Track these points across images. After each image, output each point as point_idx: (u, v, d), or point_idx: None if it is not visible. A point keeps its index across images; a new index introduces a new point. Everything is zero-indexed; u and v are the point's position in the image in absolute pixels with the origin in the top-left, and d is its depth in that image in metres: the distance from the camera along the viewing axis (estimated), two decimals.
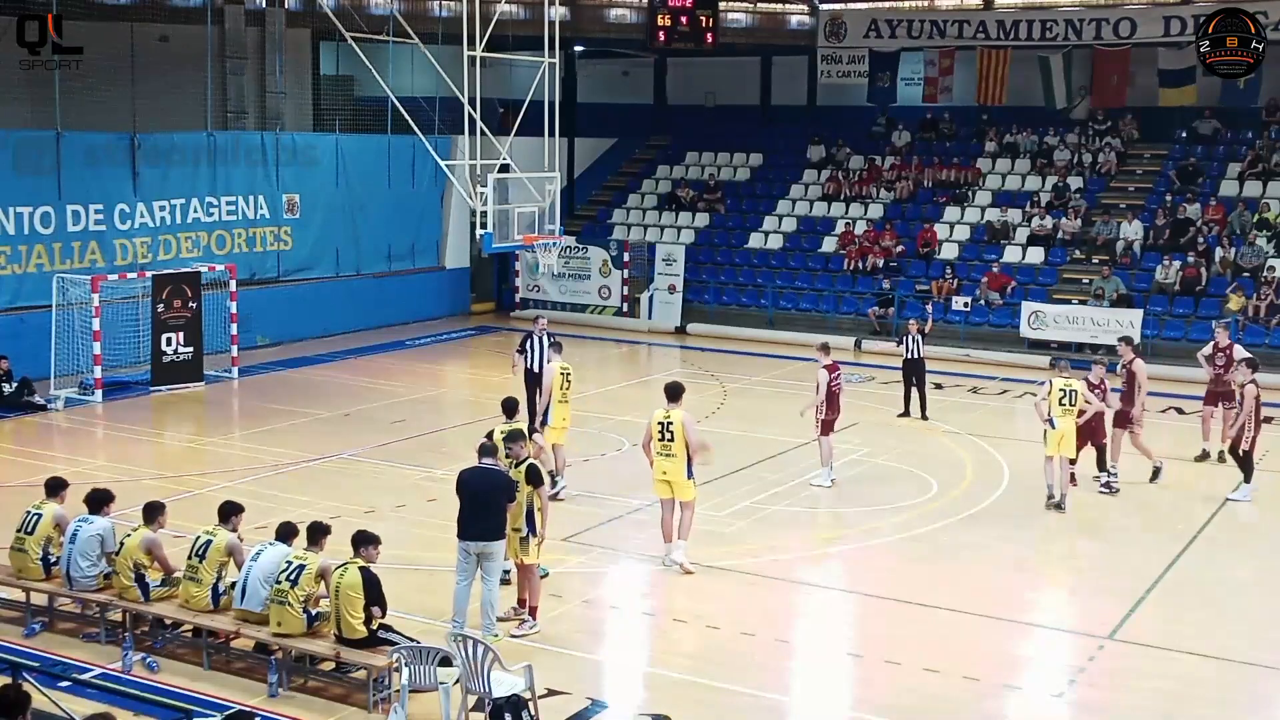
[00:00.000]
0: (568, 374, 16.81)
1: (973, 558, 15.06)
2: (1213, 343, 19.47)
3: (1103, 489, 17.37)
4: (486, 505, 11.90)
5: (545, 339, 18.08)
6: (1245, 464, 17.36)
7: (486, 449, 12.31)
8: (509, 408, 14.32)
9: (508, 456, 12.50)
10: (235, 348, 24.62)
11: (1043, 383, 17.49)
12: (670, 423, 13.90)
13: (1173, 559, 14.96)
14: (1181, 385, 24.64)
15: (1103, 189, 31.96)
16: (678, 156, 37.19)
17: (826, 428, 17.50)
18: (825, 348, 17.83)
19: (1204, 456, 19.19)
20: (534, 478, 12.22)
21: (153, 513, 12.07)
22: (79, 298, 22.48)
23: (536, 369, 17.90)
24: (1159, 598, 13.78)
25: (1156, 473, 17.94)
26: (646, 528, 15.25)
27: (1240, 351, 18.94)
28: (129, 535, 11.92)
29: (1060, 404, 16.32)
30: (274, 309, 27.62)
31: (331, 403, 22.43)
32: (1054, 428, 16.36)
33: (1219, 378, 18.95)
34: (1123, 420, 17.69)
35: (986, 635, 12.88)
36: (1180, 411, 22.88)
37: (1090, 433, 17.02)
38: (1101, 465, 17.53)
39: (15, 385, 21.49)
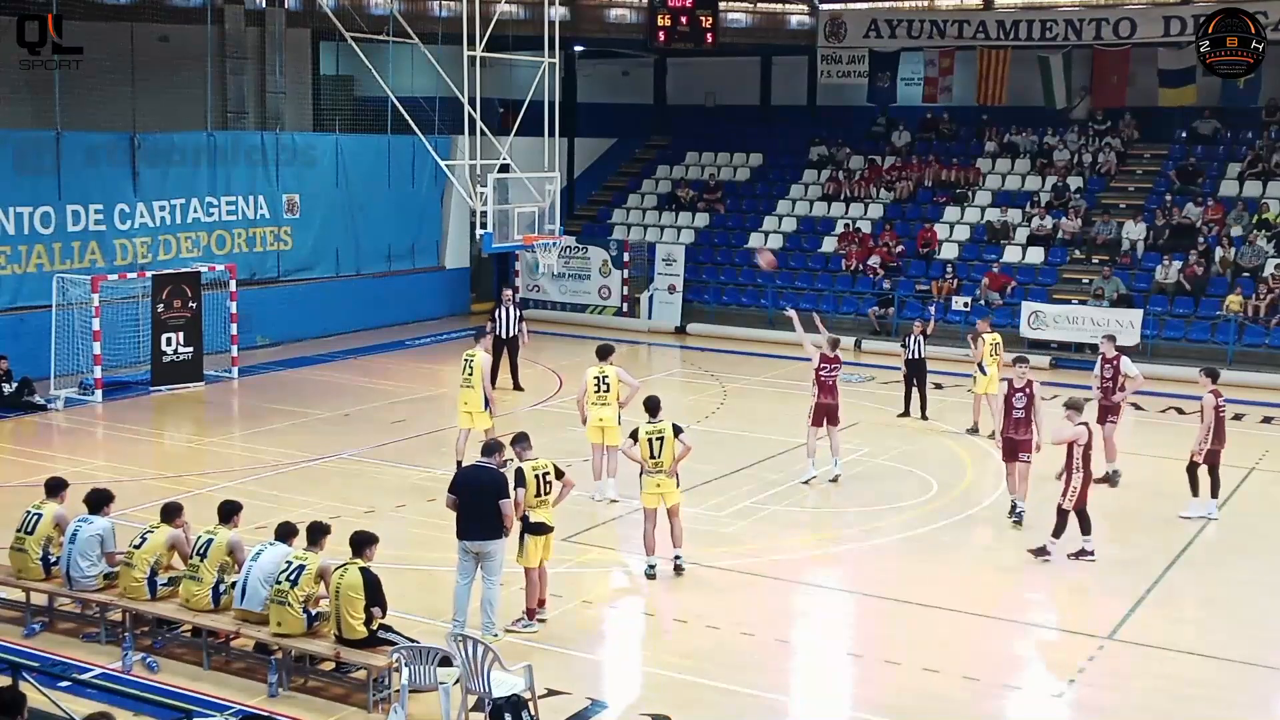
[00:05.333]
0: (469, 360, 17.72)
1: (973, 558, 15.07)
2: (1100, 356, 18.33)
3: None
4: (479, 505, 11.90)
5: (512, 308, 23.14)
6: (1196, 479, 16.42)
7: (487, 448, 12.31)
8: (651, 406, 14.12)
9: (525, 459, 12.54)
10: (235, 348, 24.60)
11: (978, 335, 20.41)
12: (605, 377, 16.35)
13: (1173, 559, 14.97)
14: (1182, 385, 24.67)
15: (1103, 189, 31.95)
16: (678, 156, 37.18)
17: (818, 415, 17.49)
18: (834, 342, 18.08)
19: (1106, 479, 17.51)
20: (517, 480, 12.19)
21: (171, 514, 12.13)
22: (79, 298, 22.46)
23: (506, 336, 22.58)
24: (1159, 598, 13.79)
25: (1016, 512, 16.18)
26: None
27: (1127, 364, 17.93)
28: (151, 532, 11.94)
29: (991, 355, 20.06)
30: (274, 309, 27.60)
31: (331, 403, 22.42)
32: (984, 373, 20.09)
33: (1106, 392, 17.89)
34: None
35: (986, 635, 12.88)
36: (1180, 411, 22.90)
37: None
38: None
39: (15, 385, 21.48)
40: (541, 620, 12.49)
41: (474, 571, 12.04)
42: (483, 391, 17.23)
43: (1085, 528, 14.69)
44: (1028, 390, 15.96)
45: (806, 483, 17.51)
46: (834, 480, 17.59)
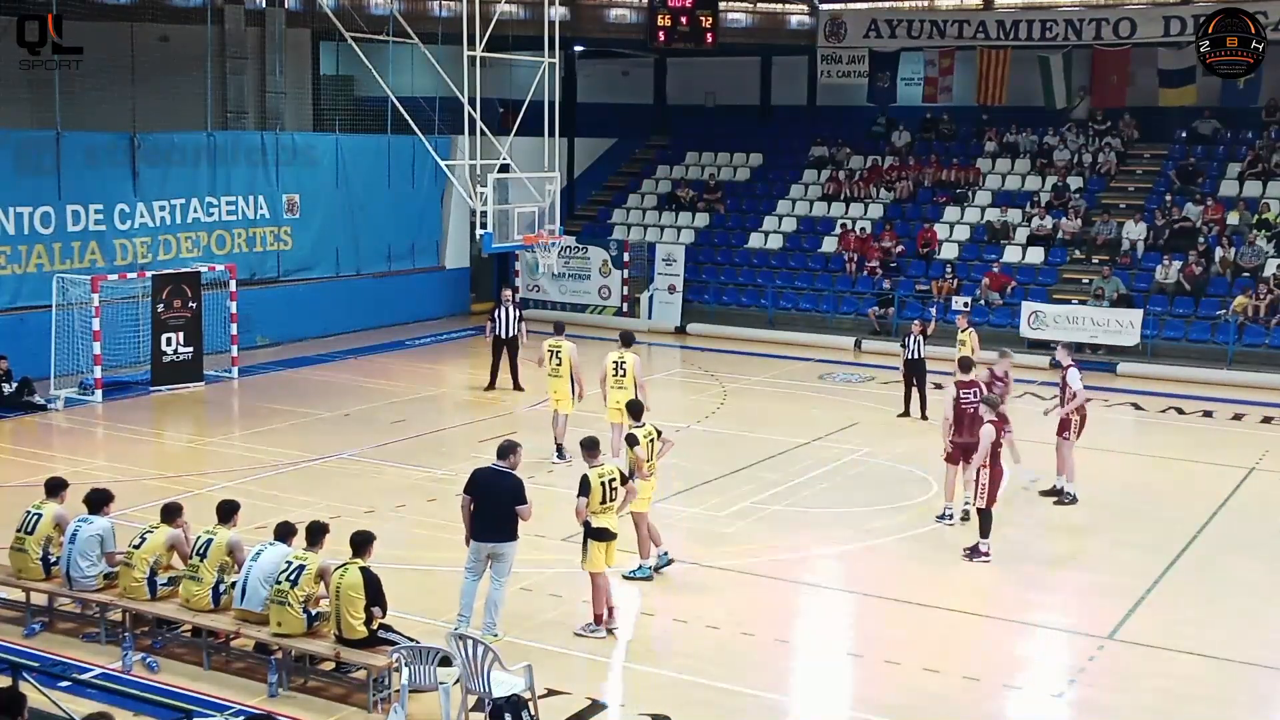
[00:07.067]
0: (556, 351, 18.54)
1: None
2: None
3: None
4: (495, 509, 11.89)
5: (512, 308, 23.11)
6: None
7: (503, 450, 12.25)
8: (636, 411, 14.20)
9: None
10: (235, 348, 24.59)
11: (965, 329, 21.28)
12: (623, 362, 17.29)
13: (1173, 559, 14.97)
14: (1182, 385, 24.73)
15: (1103, 189, 31.95)
16: (678, 156, 37.18)
17: (956, 455, 15.79)
18: (965, 362, 16.80)
19: (1055, 492, 17.21)
20: (581, 487, 12.19)
21: (171, 514, 12.13)
22: (79, 298, 22.45)
23: (506, 336, 22.95)
24: (1159, 598, 13.78)
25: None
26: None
27: (1073, 377, 16.85)
28: (151, 532, 11.94)
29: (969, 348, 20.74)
30: (274, 309, 27.60)
31: (331, 403, 22.41)
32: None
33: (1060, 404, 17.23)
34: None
35: (986, 635, 12.88)
36: (1180, 411, 22.90)
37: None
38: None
39: (15, 385, 21.47)
40: (613, 630, 12.40)
41: (483, 570, 12.02)
42: (570, 379, 18.25)
43: (984, 529, 14.72)
44: (975, 392, 15.76)
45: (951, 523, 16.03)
46: (965, 517, 15.76)
